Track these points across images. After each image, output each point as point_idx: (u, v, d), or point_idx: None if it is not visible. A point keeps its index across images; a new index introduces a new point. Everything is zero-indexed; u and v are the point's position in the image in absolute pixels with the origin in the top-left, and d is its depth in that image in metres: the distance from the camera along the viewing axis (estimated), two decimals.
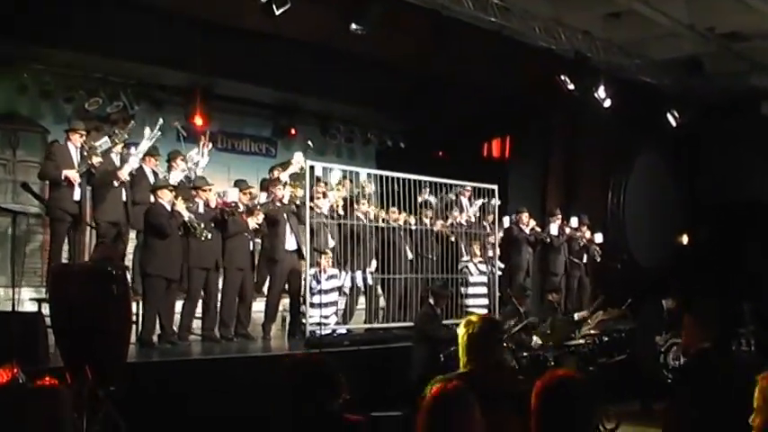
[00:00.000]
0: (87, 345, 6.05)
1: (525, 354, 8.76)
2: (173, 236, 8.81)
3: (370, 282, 10.78)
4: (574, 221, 13.17)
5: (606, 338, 9.85)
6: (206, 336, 9.34)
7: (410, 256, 11.15)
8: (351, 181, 11.49)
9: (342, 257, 10.43)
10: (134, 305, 8.01)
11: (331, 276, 9.97)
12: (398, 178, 10.69)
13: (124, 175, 9.01)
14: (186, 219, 8.90)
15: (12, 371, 5.00)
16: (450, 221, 11.64)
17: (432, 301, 9.03)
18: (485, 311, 11.05)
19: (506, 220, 12.33)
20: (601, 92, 12.13)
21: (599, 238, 13.31)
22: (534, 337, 9.18)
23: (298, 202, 10.12)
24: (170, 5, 9.30)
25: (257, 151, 14.52)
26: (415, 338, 8.81)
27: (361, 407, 3.46)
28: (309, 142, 13.35)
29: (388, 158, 14.97)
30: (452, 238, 11.53)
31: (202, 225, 9.02)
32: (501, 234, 12.29)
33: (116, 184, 8.96)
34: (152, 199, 9.09)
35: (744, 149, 14.62)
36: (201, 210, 9.32)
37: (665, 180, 15.46)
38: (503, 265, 12.12)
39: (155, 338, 8.72)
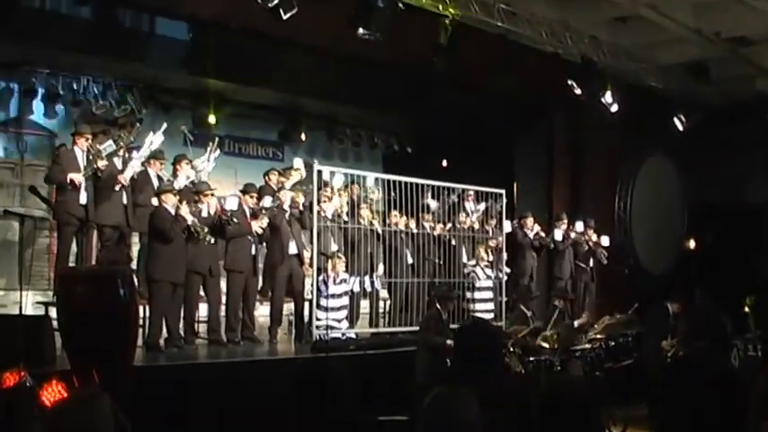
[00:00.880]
0: (94, 348, 6.08)
1: (532, 358, 8.74)
2: (177, 240, 8.81)
3: (377, 286, 10.78)
4: (579, 226, 13.12)
5: (613, 343, 9.80)
6: (212, 339, 9.34)
7: (410, 260, 11.14)
8: (358, 185, 11.49)
9: (349, 261, 10.45)
10: (140, 309, 8.02)
11: (342, 281, 9.99)
12: (405, 182, 10.69)
13: (126, 178, 9.02)
14: (190, 223, 8.91)
15: (19, 374, 5.02)
16: (451, 225, 11.58)
17: (438, 304, 9.01)
18: (491, 316, 11.05)
19: (507, 225, 12.24)
20: (608, 96, 12.11)
21: (605, 241, 13.26)
22: (541, 342, 9.15)
23: (301, 208, 10.13)
24: (178, 9, 9.33)
25: (264, 155, 14.54)
26: (419, 344, 8.81)
27: (367, 411, 3.47)
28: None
29: (395, 162, 14.99)
30: (453, 242, 11.49)
31: (206, 229, 9.03)
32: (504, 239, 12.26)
33: (117, 188, 8.95)
34: (155, 202, 9.10)
35: (750, 154, 14.60)
36: (205, 214, 9.32)
37: (672, 184, 15.44)
38: (509, 270, 12.10)
39: (161, 342, 8.73)
